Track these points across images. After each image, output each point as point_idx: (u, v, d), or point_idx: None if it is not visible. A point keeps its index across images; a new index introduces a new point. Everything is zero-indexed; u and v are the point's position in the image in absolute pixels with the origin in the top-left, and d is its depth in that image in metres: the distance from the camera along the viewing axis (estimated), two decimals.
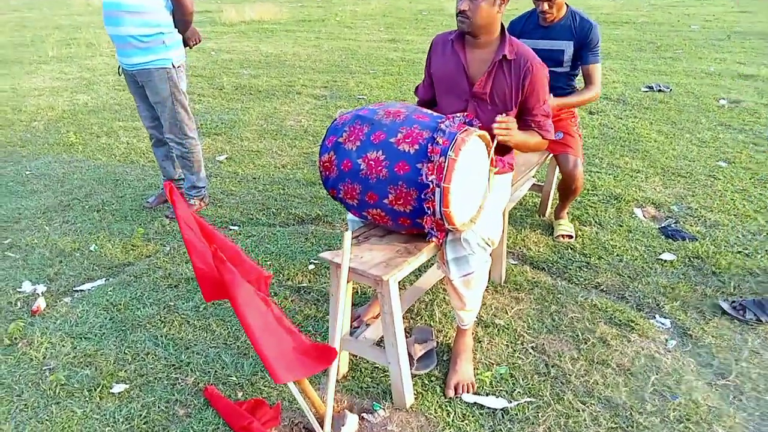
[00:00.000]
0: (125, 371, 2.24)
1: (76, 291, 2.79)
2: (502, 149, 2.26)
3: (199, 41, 3.49)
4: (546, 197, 3.48)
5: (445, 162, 1.80)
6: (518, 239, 3.19)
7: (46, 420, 2.01)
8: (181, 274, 2.88)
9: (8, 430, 1.98)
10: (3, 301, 2.71)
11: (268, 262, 2.98)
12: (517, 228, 3.32)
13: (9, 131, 5.31)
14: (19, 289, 2.80)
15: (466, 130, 1.88)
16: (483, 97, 2.15)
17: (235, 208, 3.63)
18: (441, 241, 2.00)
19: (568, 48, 2.84)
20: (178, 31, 3.29)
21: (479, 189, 2.04)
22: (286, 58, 8.15)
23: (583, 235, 3.21)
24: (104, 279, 2.89)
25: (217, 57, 8.30)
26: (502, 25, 2.14)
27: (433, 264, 2.61)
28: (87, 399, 2.11)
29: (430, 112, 1.99)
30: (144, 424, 1.99)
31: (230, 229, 3.37)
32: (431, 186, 1.82)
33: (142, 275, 2.89)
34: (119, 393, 2.13)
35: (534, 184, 3.50)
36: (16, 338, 2.44)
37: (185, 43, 3.40)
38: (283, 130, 5.07)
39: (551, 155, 3.15)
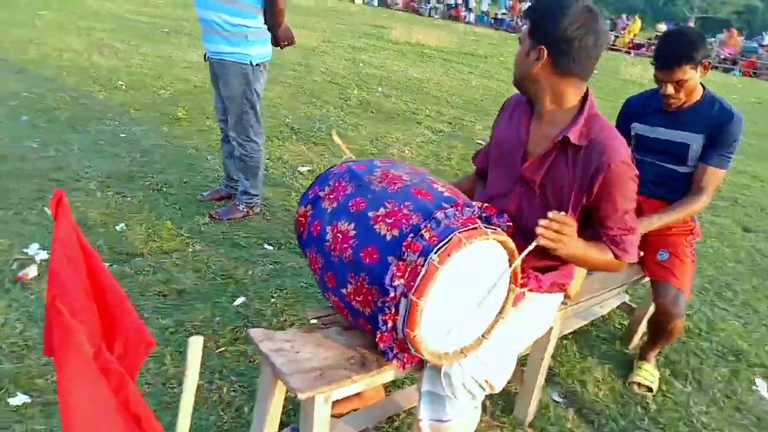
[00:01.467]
0: (44, 379, 1.97)
1: None
2: (549, 258, 1.63)
3: (292, 43, 3.23)
4: (636, 326, 2.70)
5: (422, 267, 1.25)
6: (576, 368, 2.46)
7: None
8: (179, 285, 2.59)
9: None
10: (1, 259, 2.61)
11: (272, 299, 2.58)
12: (581, 351, 2.59)
13: (137, 94, 5.56)
14: (24, 250, 2.69)
15: (473, 229, 1.32)
16: (531, 183, 1.56)
17: (284, 227, 3.31)
18: (405, 366, 1.44)
19: (695, 142, 2.12)
20: (268, 29, 3.05)
21: (484, 311, 1.45)
22: (427, 85, 7.83)
23: (667, 391, 2.40)
24: (109, 264, 2.69)
25: (362, 70, 8.24)
26: (586, 95, 1.53)
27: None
28: None
29: (440, 189, 1.44)
30: None
31: (264, 248, 3.04)
32: (394, 294, 1.29)
33: (141, 272, 2.64)
34: (22, 404, 1.85)
35: (625, 303, 2.74)
36: None
37: (276, 43, 3.15)
38: (382, 157, 4.70)
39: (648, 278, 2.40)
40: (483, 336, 1.46)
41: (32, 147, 3.91)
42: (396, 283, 1.28)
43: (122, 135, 4.40)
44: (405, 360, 1.42)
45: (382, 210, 1.38)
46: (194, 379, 1.08)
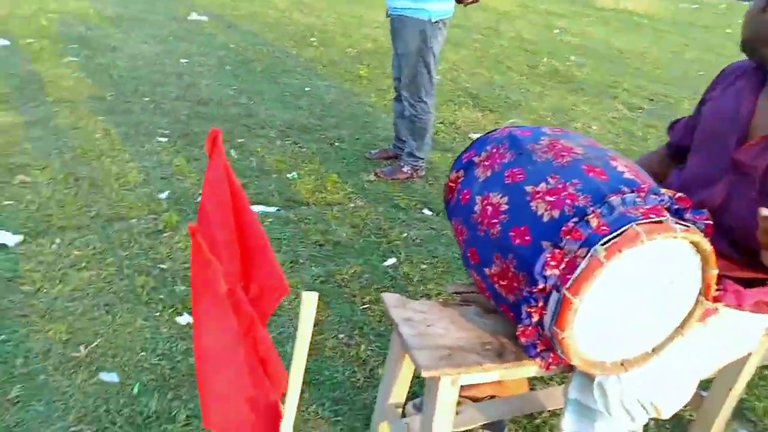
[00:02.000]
0: None
1: None
2: (759, 269, 1.29)
3: (476, 0, 3.02)
4: None
5: (583, 259, 1.04)
6: None
7: None
8: (335, 237, 2.63)
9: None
10: (190, 193, 2.87)
11: (423, 265, 2.50)
12: None
13: (326, 51, 5.79)
14: None
15: (657, 222, 1.06)
16: (749, 170, 1.22)
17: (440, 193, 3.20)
18: (550, 366, 1.24)
19: None
20: None
21: (659, 323, 1.19)
22: (630, 56, 7.02)
23: None
24: (276, 209, 2.83)
25: (557, 37, 7.65)
26: None
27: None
28: None
29: (621, 168, 1.18)
30: None
31: (422, 213, 2.97)
32: (544, 285, 1.09)
33: (303, 220, 2.73)
34: (187, 324, 2.02)
35: None
36: (166, 227, 2.54)
37: (460, 0, 2.98)
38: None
39: None
40: (653, 351, 1.19)
41: (229, 94, 4.26)
42: (548, 273, 1.09)
43: (307, 89, 4.60)
44: (550, 360, 1.22)
45: (542, 185, 1.17)
46: (307, 333, 1.02)
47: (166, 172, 3.00)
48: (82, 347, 1.83)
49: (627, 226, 1.04)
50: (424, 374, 1.21)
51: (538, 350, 1.20)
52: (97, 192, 2.72)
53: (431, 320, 1.36)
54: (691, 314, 1.18)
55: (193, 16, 6.54)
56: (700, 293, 1.16)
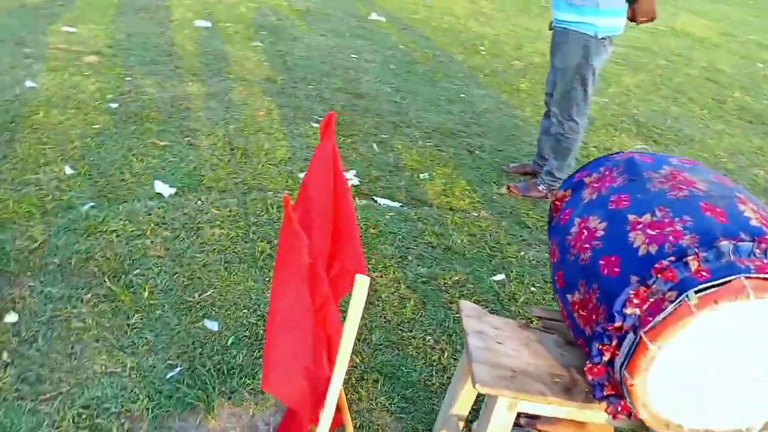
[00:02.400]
0: None
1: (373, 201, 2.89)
2: None
3: (652, 19, 2.79)
4: None
5: (671, 303, 0.92)
6: None
7: None
8: (449, 242, 2.61)
9: None
10: None
11: (532, 288, 2.38)
12: None
13: (492, 60, 5.73)
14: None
15: None
16: None
17: None
18: (618, 415, 1.12)
19: None
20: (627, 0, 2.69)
21: (762, 395, 1.01)
22: None
23: None
24: (400, 204, 2.88)
25: (763, 71, 6.77)
26: None
27: None
28: None
29: (748, 213, 1.03)
30: None
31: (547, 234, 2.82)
32: (621, 323, 0.98)
33: (422, 220, 2.75)
34: None
35: None
36: None
37: (632, 17, 2.78)
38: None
39: None
40: (746, 430, 1.02)
41: (386, 91, 4.42)
42: (628, 311, 0.98)
43: (462, 95, 4.60)
44: (619, 407, 1.10)
45: (647, 216, 1.06)
46: (357, 315, 1.03)
47: (309, 155, 3.20)
48: (196, 294, 2.03)
49: (732, 277, 0.90)
50: (478, 388, 1.16)
51: (605, 393, 1.08)
52: (247, 162, 2.99)
53: (504, 338, 1.30)
54: None
55: (373, 15, 6.87)
56: None
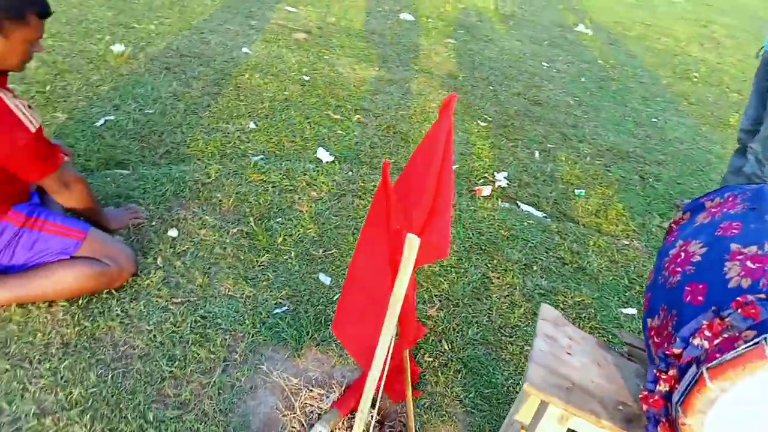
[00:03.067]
0: None
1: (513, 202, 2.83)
2: None
3: None
4: None
5: (745, 342, 0.81)
6: None
7: None
8: (583, 263, 2.46)
9: None
10: (466, 176, 3.04)
11: None
12: None
13: (702, 89, 5.16)
14: (495, 174, 3.06)
15: None
16: None
17: None
18: None
19: None
20: None
21: None
22: None
23: None
24: (543, 215, 2.78)
25: None
26: None
27: None
28: None
29: None
30: None
31: None
32: (681, 351, 0.88)
33: (562, 234, 2.62)
34: None
35: None
36: None
37: None
38: None
39: None
40: None
41: (567, 102, 4.25)
42: (695, 341, 0.87)
43: (654, 119, 4.24)
44: None
45: (752, 248, 0.92)
46: (408, 272, 1.06)
47: (466, 150, 3.24)
48: (321, 250, 2.21)
49: None
50: (526, 388, 1.12)
51: (659, 429, 0.97)
52: (403, 146, 3.13)
53: (576, 351, 1.22)
54: None
55: (580, 27, 6.60)
56: None
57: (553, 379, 1.14)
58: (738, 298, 0.86)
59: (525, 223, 2.64)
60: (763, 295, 0.84)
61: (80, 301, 1.77)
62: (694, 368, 0.86)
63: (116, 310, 1.78)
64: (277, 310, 1.90)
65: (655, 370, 0.94)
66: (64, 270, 1.74)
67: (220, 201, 2.36)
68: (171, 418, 1.52)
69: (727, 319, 0.86)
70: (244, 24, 4.40)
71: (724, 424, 0.85)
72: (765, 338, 0.79)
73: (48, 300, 1.74)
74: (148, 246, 2.05)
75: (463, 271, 2.27)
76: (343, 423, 1.58)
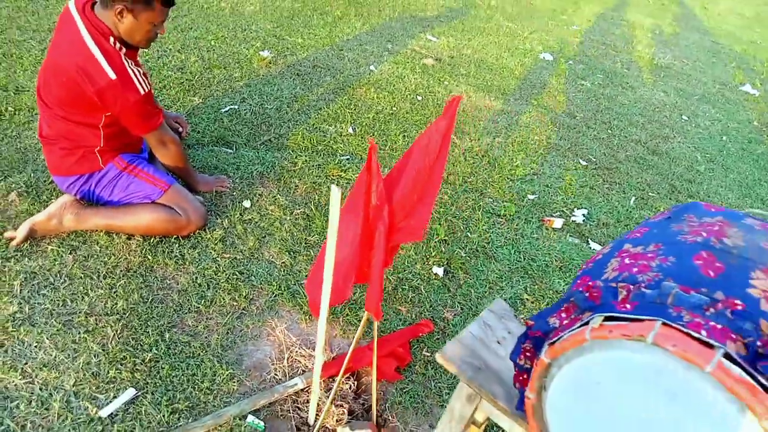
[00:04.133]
0: None
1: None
2: None
3: None
4: None
5: (580, 324, 0.84)
6: None
7: None
8: None
9: None
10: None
11: None
12: None
13: None
14: (574, 212, 2.99)
15: (691, 337, 0.74)
16: None
17: None
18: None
19: None
20: None
21: None
22: None
23: None
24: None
25: None
26: None
27: None
28: None
29: (755, 277, 0.80)
30: None
31: None
32: (538, 332, 0.91)
33: None
34: None
35: None
36: (505, 214, 2.79)
37: None
38: None
39: None
40: None
41: (693, 157, 3.96)
42: (551, 320, 0.89)
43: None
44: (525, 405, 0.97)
45: (639, 248, 0.92)
46: (335, 221, 1.19)
47: (553, 183, 3.20)
48: None
49: (650, 318, 0.76)
50: (437, 356, 1.18)
51: (525, 408, 0.98)
52: (488, 170, 3.19)
53: (509, 344, 1.25)
54: None
55: (746, 87, 6.06)
56: None
57: (468, 358, 1.18)
58: (589, 283, 0.87)
59: (584, 259, 2.56)
60: (617, 283, 0.84)
61: (152, 240, 2.14)
62: (545, 346, 0.88)
63: (176, 252, 2.11)
64: (304, 281, 2.10)
65: (522, 345, 0.96)
66: (144, 211, 2.12)
67: (296, 186, 2.65)
68: (182, 342, 1.78)
69: (572, 300, 0.87)
70: (382, 47, 4.77)
71: (561, 408, 0.86)
72: (593, 317, 0.80)
73: (128, 233, 2.12)
74: (221, 209, 2.39)
75: (498, 288, 2.29)
76: (322, 383, 1.72)
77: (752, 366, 0.71)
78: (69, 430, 1.47)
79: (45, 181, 2.29)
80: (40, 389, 1.56)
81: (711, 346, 0.72)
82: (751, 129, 4.83)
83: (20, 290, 1.82)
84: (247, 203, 2.47)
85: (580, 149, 3.71)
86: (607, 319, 0.79)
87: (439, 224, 2.61)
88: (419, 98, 3.92)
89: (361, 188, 1.46)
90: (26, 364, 1.61)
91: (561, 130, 3.96)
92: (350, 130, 3.29)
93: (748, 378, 0.69)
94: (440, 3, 6.59)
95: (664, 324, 0.74)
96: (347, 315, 2.00)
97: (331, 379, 1.74)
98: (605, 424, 0.82)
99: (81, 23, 1.92)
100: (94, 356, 1.67)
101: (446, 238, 2.53)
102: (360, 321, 1.91)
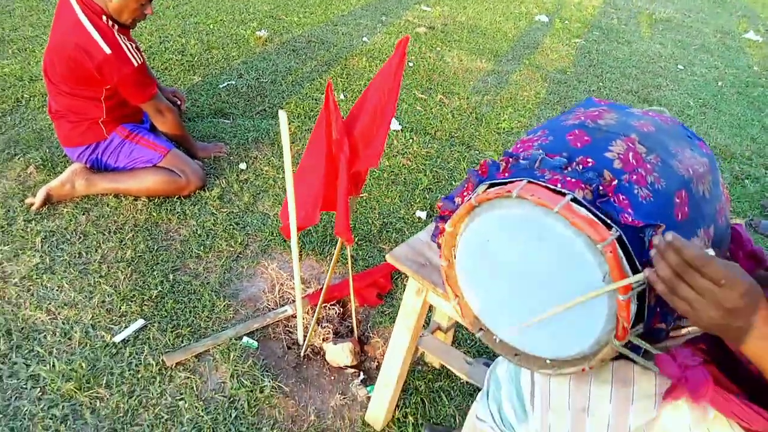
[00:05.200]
0: None
1: None
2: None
3: None
4: None
5: (469, 195, 1.01)
6: None
7: None
8: None
9: None
10: None
11: None
12: None
13: None
14: None
15: (552, 190, 0.90)
16: None
17: None
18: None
19: None
20: None
21: (545, 330, 0.97)
22: None
23: None
24: None
25: None
26: None
27: None
28: None
29: (614, 146, 0.96)
30: None
31: None
32: (444, 203, 1.09)
33: None
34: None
35: None
36: None
37: None
38: None
39: None
40: (544, 361, 0.97)
41: (684, 103, 4.03)
42: (456, 201, 1.07)
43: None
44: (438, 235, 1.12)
45: (531, 135, 1.07)
46: (286, 144, 1.37)
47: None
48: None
49: (519, 179, 0.93)
50: (387, 257, 1.35)
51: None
52: (475, 125, 3.33)
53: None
54: (600, 350, 0.91)
55: (749, 34, 6.02)
56: (616, 326, 0.88)
57: (414, 257, 1.35)
58: (483, 161, 1.03)
59: None
60: (507, 156, 0.99)
61: (156, 200, 2.36)
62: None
63: (177, 209, 2.33)
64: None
65: (437, 225, 1.12)
66: (146, 174, 2.34)
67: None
68: (184, 281, 2.00)
69: (469, 179, 1.03)
70: (376, 20, 4.91)
71: (468, 270, 1.03)
72: (479, 186, 0.97)
73: (133, 195, 2.35)
74: (219, 171, 2.60)
75: None
76: (309, 313, 1.92)
77: (593, 205, 0.87)
78: (88, 353, 1.70)
79: (58, 155, 2.53)
80: (63, 323, 1.79)
81: (563, 194, 0.88)
82: (750, 74, 4.84)
83: (41, 246, 2.06)
84: (243, 165, 2.67)
85: (570, 102, 3.82)
86: (490, 186, 0.96)
87: (424, 174, 2.77)
88: (410, 64, 4.06)
89: (322, 124, 1.63)
90: (50, 304, 1.84)
91: (551, 85, 4.06)
92: (342, 97, 3.46)
93: (588, 214, 0.85)
94: None
95: (529, 182, 0.91)
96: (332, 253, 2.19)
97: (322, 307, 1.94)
98: (500, 275, 0.99)
99: (76, 5, 2.12)
100: (108, 296, 1.90)
101: (430, 186, 2.70)
102: (346, 260, 2.10)
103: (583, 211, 0.86)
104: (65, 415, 1.53)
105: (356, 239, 2.28)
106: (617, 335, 0.87)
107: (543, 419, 1.01)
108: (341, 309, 1.97)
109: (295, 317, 1.88)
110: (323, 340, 1.84)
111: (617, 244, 0.83)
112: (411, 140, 3.06)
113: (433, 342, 1.59)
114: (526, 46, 4.78)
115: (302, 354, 1.80)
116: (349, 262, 1.71)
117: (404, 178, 2.73)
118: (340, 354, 1.75)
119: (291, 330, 1.88)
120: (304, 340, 1.81)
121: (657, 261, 0.76)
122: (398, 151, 2.94)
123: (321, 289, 1.99)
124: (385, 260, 2.14)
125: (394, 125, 3.19)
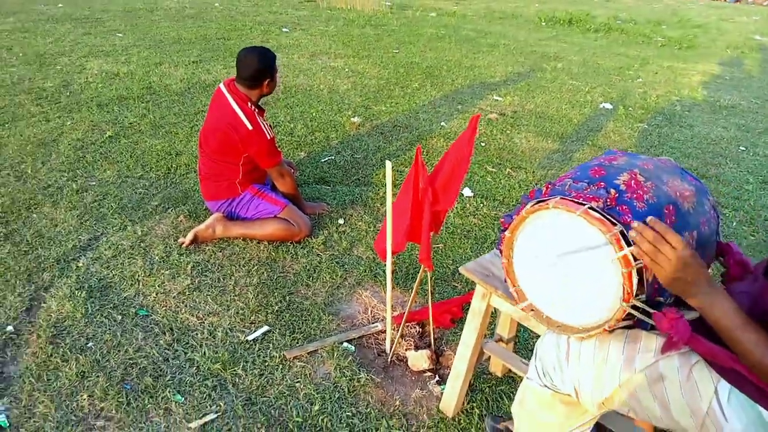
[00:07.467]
0: None
1: None
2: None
3: None
4: None
5: (524, 209, 1.48)
6: None
7: None
8: None
9: None
10: None
11: None
12: None
13: None
14: None
15: (575, 202, 1.36)
16: None
17: None
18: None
19: None
20: None
21: (574, 301, 1.39)
22: None
23: None
24: None
25: None
26: None
27: None
28: None
29: (621, 175, 1.41)
30: None
31: None
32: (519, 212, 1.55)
33: None
34: None
35: None
36: None
37: None
38: None
39: None
40: (577, 329, 1.38)
41: (747, 180, 4.29)
42: (514, 217, 1.53)
43: None
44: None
45: (569, 172, 1.54)
46: (390, 189, 1.88)
47: None
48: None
49: (554, 197, 1.39)
50: (461, 270, 1.81)
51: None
52: None
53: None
54: (611, 313, 1.32)
55: None
56: (623, 291, 1.29)
57: (481, 270, 1.80)
58: (532, 189, 1.48)
59: None
60: (545, 186, 1.45)
61: (275, 243, 2.95)
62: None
63: (291, 251, 2.90)
64: (385, 268, 2.79)
65: (501, 235, 1.57)
66: (269, 223, 2.95)
67: (378, 209, 3.40)
68: (297, 301, 2.51)
69: (523, 201, 1.48)
70: (453, 108, 5.59)
71: (523, 261, 1.46)
72: (529, 203, 1.42)
73: (258, 238, 2.95)
74: (323, 225, 3.18)
75: None
76: (395, 329, 2.37)
77: (604, 211, 1.31)
78: (228, 346, 2.22)
79: (200, 208, 3.21)
80: (208, 326, 2.33)
81: (583, 204, 1.33)
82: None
83: (191, 272, 2.66)
84: (341, 221, 3.24)
85: None
86: (536, 203, 1.42)
87: (492, 230, 3.23)
88: (482, 144, 4.63)
89: (411, 177, 2.15)
90: (198, 312, 2.41)
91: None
92: None
93: (600, 215, 1.29)
94: (508, 69, 7.40)
95: (561, 198, 1.37)
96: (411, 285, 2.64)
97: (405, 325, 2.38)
98: (543, 264, 1.43)
99: (229, 95, 2.85)
100: (240, 309, 2.44)
101: (497, 240, 3.14)
102: (426, 296, 2.55)
103: (596, 214, 1.30)
104: (214, 385, 2.04)
105: (433, 278, 2.74)
106: (624, 299, 1.28)
107: (575, 370, 1.40)
108: (421, 329, 2.41)
109: (384, 332, 2.33)
110: (405, 350, 2.26)
111: (620, 235, 1.27)
112: (481, 204, 3.54)
113: (496, 347, 1.99)
114: (590, 130, 5.25)
115: (389, 360, 2.23)
116: (429, 291, 2.18)
117: (475, 234, 3.19)
118: (419, 359, 2.17)
119: (380, 342, 2.33)
120: (391, 348, 2.25)
121: (638, 235, 1.18)
122: (470, 213, 3.42)
123: (405, 311, 2.44)
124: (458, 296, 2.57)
125: (467, 192, 3.70)
